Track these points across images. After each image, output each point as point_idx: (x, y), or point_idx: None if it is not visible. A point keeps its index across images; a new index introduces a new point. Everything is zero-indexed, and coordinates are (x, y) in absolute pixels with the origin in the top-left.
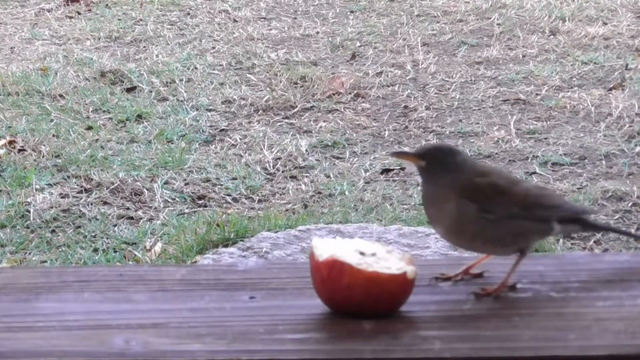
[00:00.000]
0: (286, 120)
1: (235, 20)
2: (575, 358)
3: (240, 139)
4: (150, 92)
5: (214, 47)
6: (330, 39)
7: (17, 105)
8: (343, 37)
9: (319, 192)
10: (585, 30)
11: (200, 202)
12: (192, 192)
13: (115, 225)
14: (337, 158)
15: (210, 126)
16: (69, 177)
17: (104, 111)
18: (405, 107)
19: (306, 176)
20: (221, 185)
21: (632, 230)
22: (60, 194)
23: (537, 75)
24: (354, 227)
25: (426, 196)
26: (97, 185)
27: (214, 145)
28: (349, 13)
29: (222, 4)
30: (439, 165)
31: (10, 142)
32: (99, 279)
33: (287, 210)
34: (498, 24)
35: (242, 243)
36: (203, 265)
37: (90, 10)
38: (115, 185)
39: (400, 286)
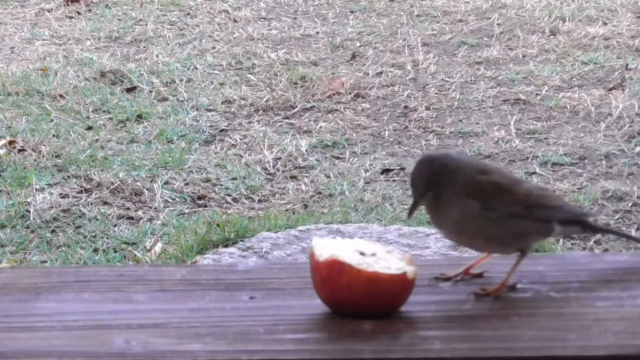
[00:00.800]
0: (286, 121)
1: (235, 21)
2: (575, 358)
3: (240, 139)
4: (150, 92)
5: (214, 47)
6: (330, 39)
7: (17, 105)
8: (343, 37)
9: (319, 192)
10: (586, 30)
11: (200, 202)
12: (192, 192)
13: (115, 225)
14: (337, 158)
15: (210, 126)
16: (69, 177)
17: (104, 111)
18: (405, 107)
19: (306, 176)
20: (221, 185)
21: (632, 231)
22: (60, 194)
23: (537, 76)
24: (354, 227)
25: (429, 204)
26: (97, 185)
27: (214, 146)
28: (349, 13)
29: (222, 4)
30: (438, 180)
31: (10, 142)
32: (99, 279)
33: (287, 210)
34: (498, 24)
35: (242, 243)
36: (203, 265)
37: (90, 10)
38: (115, 185)
39: (400, 286)
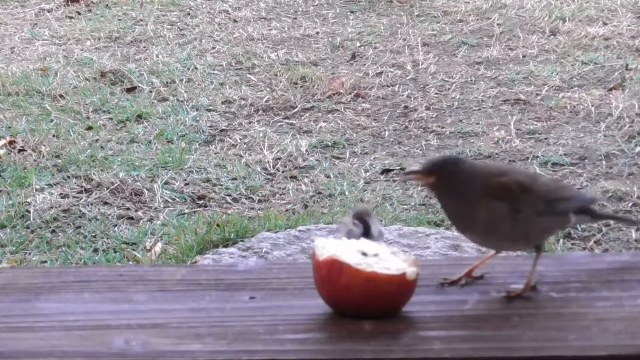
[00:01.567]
0: (286, 121)
1: (235, 21)
2: (575, 358)
3: (240, 139)
4: (150, 92)
5: (214, 47)
6: (330, 39)
7: (17, 105)
8: (343, 37)
9: (319, 192)
10: (586, 30)
11: (200, 202)
12: (192, 192)
13: (115, 226)
14: (337, 158)
15: (210, 126)
16: (69, 177)
17: (104, 111)
18: (405, 107)
19: (306, 176)
20: (221, 185)
21: (633, 232)
22: (60, 194)
23: (537, 76)
24: None
25: (449, 209)
26: (97, 186)
27: (214, 146)
28: (349, 13)
29: (222, 4)
30: (450, 177)
31: (10, 142)
32: (99, 279)
33: (287, 210)
34: (498, 24)
35: (242, 243)
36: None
37: (90, 10)
38: (115, 185)
39: (400, 287)
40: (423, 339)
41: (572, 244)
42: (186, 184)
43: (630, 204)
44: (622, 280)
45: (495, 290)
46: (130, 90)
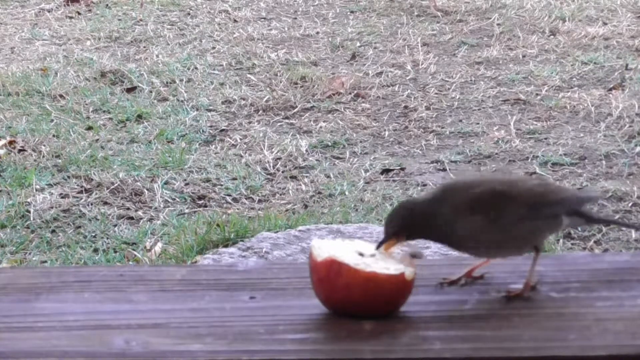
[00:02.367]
0: (286, 121)
1: (235, 21)
2: (575, 358)
3: (241, 139)
4: (151, 92)
5: (214, 47)
6: (330, 39)
7: (17, 105)
8: (343, 37)
9: (319, 192)
10: (585, 30)
11: (200, 202)
12: (192, 192)
13: (115, 226)
14: (337, 158)
15: (211, 126)
16: (69, 177)
17: (104, 111)
18: (406, 107)
19: (306, 176)
20: (221, 185)
21: (632, 232)
22: (61, 194)
23: (537, 76)
24: (354, 227)
25: (440, 241)
26: (97, 186)
27: (214, 146)
28: (349, 13)
29: (222, 4)
30: (417, 222)
31: (11, 142)
32: (99, 279)
33: (287, 210)
34: (498, 24)
35: (242, 243)
36: (203, 265)
37: (90, 10)
38: (116, 185)
39: (399, 287)
40: (423, 339)
41: (572, 244)
42: (186, 184)
43: (630, 204)
44: (622, 280)
45: (495, 290)
46: (130, 90)
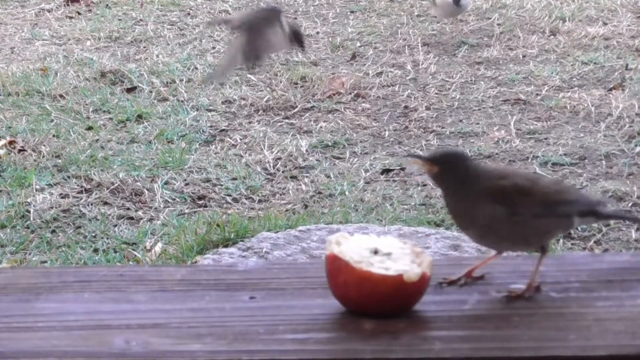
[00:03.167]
0: (286, 121)
1: None
2: (575, 358)
3: (241, 139)
4: (151, 92)
5: (214, 48)
6: (330, 39)
7: (17, 105)
8: (343, 37)
9: (319, 192)
10: (586, 30)
11: (200, 202)
12: (192, 193)
13: (115, 226)
14: (337, 158)
15: (211, 126)
16: (69, 177)
17: (104, 111)
18: (406, 107)
19: (306, 176)
20: (221, 185)
21: (633, 231)
22: (61, 194)
23: (537, 76)
24: (354, 227)
25: (449, 205)
26: (97, 186)
27: (214, 146)
28: (349, 13)
29: (222, 4)
30: (453, 171)
31: (11, 143)
32: (99, 279)
33: (287, 210)
34: (498, 24)
35: (242, 243)
36: (203, 265)
37: (90, 10)
38: (116, 185)
39: (396, 288)
40: (423, 339)
41: (572, 244)
42: (186, 184)
43: (630, 204)
44: (622, 280)
45: (495, 290)
46: (130, 90)
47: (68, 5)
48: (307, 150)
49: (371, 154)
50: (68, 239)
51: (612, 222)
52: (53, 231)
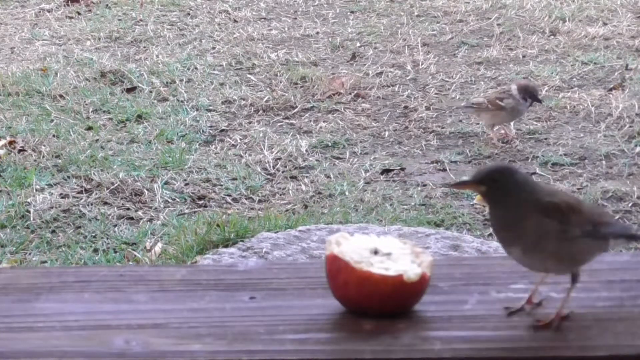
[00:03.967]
0: (286, 121)
1: (235, 21)
2: (575, 358)
3: (241, 139)
4: (151, 92)
5: (214, 48)
6: (330, 39)
7: (17, 105)
8: (343, 37)
9: (319, 193)
10: (586, 30)
11: (200, 202)
12: (192, 193)
13: (115, 226)
14: (337, 158)
15: (211, 126)
16: (69, 177)
17: (104, 111)
18: (406, 107)
19: (306, 176)
20: (221, 185)
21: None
22: (60, 194)
23: (537, 76)
24: (354, 227)
25: (496, 219)
26: (97, 186)
27: (214, 146)
28: (349, 13)
29: (222, 4)
30: (501, 187)
31: (11, 143)
32: (99, 279)
33: (287, 210)
34: (498, 24)
35: (242, 243)
36: (203, 265)
37: (90, 10)
38: (116, 185)
39: (396, 288)
40: (423, 339)
41: None
42: (186, 184)
43: (630, 204)
44: (622, 280)
45: (495, 290)
46: (130, 90)
47: (68, 5)
48: (307, 151)
49: (371, 154)
50: (68, 239)
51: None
52: (53, 231)
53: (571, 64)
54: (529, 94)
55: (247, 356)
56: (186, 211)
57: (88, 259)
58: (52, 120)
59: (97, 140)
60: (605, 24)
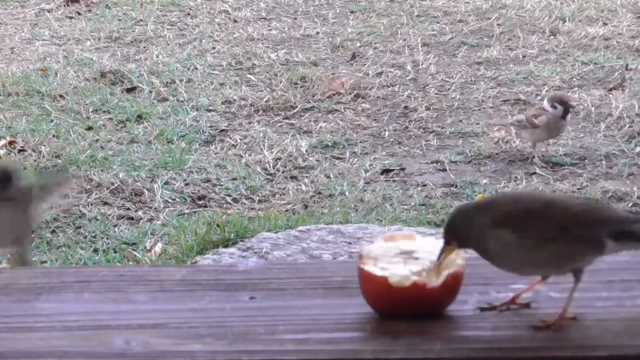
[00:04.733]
0: (286, 121)
1: (235, 21)
2: (575, 358)
3: (241, 140)
4: (151, 92)
5: (214, 48)
6: (330, 39)
7: (17, 105)
8: (343, 37)
9: (319, 193)
10: (586, 30)
11: (200, 202)
12: (192, 193)
13: (115, 226)
14: (337, 158)
15: (211, 126)
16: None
17: (104, 111)
18: (406, 107)
19: (306, 176)
20: (221, 185)
21: None
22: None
23: (537, 76)
24: (354, 227)
25: (481, 253)
26: (97, 186)
27: (214, 146)
28: (349, 13)
29: (222, 4)
30: (462, 227)
31: (11, 143)
32: (99, 280)
33: (287, 210)
34: (498, 25)
35: (242, 243)
36: (203, 265)
37: (90, 10)
38: (116, 185)
39: (380, 289)
40: (423, 338)
41: None
42: (186, 184)
43: (630, 204)
44: (622, 280)
45: (495, 290)
46: (130, 90)
47: (68, 5)
48: (307, 151)
49: (371, 154)
50: (68, 239)
51: None
52: (53, 231)
53: (571, 64)
54: (558, 100)
55: (247, 356)
56: (186, 211)
57: (88, 259)
58: (52, 121)
59: (97, 140)
60: (605, 24)
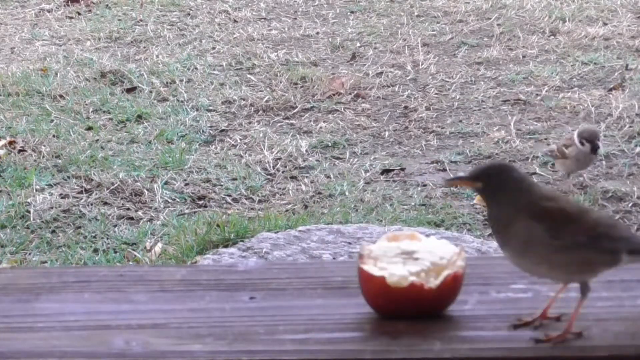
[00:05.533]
0: (286, 121)
1: (235, 21)
2: (575, 358)
3: (241, 140)
4: (151, 92)
5: (214, 48)
6: (330, 39)
7: (17, 105)
8: (343, 37)
9: (319, 193)
10: (586, 30)
11: (200, 202)
12: (192, 193)
13: (115, 226)
14: (337, 158)
15: (211, 126)
16: (69, 177)
17: (104, 111)
18: (406, 107)
19: (306, 176)
20: (221, 185)
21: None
22: (61, 194)
23: (537, 76)
24: (354, 227)
25: (491, 219)
26: (97, 186)
27: (214, 146)
28: (349, 13)
29: (222, 5)
30: (497, 185)
31: (11, 143)
32: (99, 280)
33: (287, 210)
34: (498, 25)
35: (242, 243)
36: (203, 265)
37: (90, 10)
38: (116, 185)
39: (378, 289)
40: (423, 338)
41: None
42: (186, 184)
43: (630, 204)
44: (622, 280)
45: (495, 290)
46: (130, 90)
47: (68, 5)
48: (307, 151)
49: (371, 154)
50: (68, 239)
51: None
52: (53, 231)
53: (571, 64)
54: (585, 137)
55: (247, 356)
56: (186, 211)
57: (88, 259)
58: (52, 121)
59: (97, 140)
60: (605, 24)
